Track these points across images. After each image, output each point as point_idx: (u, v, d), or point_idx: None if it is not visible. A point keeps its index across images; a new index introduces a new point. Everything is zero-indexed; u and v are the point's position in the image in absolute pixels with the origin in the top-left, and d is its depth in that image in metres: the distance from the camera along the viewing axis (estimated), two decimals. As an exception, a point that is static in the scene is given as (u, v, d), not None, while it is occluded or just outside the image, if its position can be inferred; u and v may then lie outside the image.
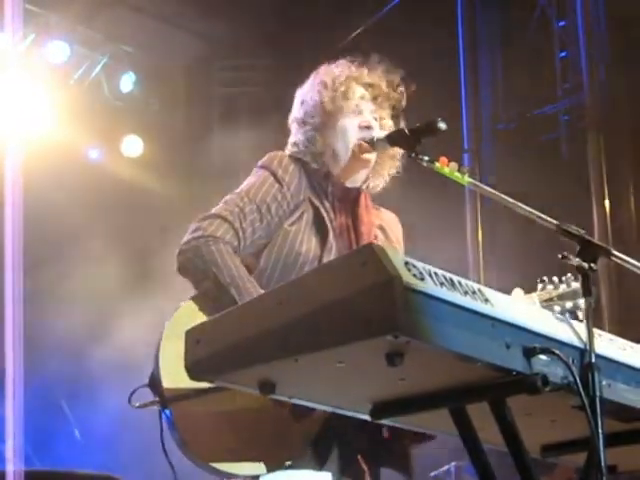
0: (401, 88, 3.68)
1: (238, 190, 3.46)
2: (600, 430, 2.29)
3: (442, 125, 3.15)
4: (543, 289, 3.84)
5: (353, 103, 3.59)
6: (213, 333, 2.28)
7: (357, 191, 3.61)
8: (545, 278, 3.88)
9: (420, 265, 2.07)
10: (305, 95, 3.67)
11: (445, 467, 6.92)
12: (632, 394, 2.49)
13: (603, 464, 2.29)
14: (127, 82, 9.55)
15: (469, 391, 2.27)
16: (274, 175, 3.46)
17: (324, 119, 3.58)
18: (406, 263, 2.03)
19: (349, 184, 3.60)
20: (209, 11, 9.46)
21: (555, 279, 3.86)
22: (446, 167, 3.09)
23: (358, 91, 3.62)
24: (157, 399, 3.08)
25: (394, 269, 1.97)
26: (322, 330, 2.04)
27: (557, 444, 2.77)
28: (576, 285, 3.83)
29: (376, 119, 3.61)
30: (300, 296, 2.11)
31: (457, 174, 3.07)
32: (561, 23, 8.52)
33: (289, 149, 3.64)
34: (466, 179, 3.06)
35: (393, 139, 3.39)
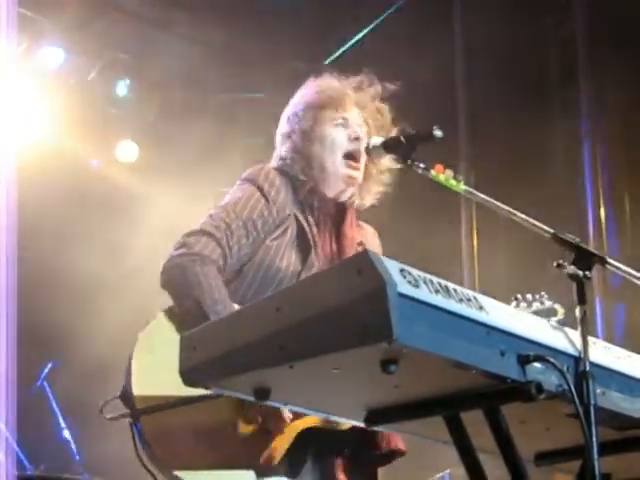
0: (388, 114, 3.67)
1: (223, 204, 3.43)
2: (594, 438, 2.29)
3: (438, 132, 3.15)
4: (517, 307, 3.84)
5: (341, 115, 3.58)
6: (209, 339, 2.28)
7: (343, 206, 3.60)
8: (519, 295, 3.87)
9: (415, 272, 2.07)
10: (292, 109, 3.65)
11: (439, 475, 6.91)
12: (626, 402, 2.50)
13: (597, 472, 2.29)
14: (122, 88, 9.54)
15: (463, 398, 2.27)
16: (260, 190, 3.44)
17: (312, 131, 3.56)
18: (401, 270, 2.03)
19: (336, 199, 3.59)
20: (205, 17, 9.47)
21: (529, 296, 3.86)
22: (442, 174, 3.09)
23: (346, 102, 3.61)
24: (128, 412, 3.07)
25: (389, 276, 1.97)
26: (317, 337, 2.04)
27: (551, 452, 2.77)
28: (549, 303, 3.83)
29: (363, 132, 3.60)
30: (295, 303, 2.11)
31: (452, 181, 3.08)
32: (558, 31, 8.54)
33: (275, 162, 3.62)
34: (462, 186, 3.07)
35: (389, 146, 3.39)
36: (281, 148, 3.63)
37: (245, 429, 3.12)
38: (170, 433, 3.04)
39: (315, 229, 3.47)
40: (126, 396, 3.07)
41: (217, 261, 3.29)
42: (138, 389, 3.05)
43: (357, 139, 3.55)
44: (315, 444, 3.26)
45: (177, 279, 3.25)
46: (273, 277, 3.36)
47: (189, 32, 9.66)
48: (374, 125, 3.62)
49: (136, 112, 9.62)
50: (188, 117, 9.80)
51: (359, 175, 3.57)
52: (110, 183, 9.29)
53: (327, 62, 8.69)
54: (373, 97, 3.66)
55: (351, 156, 3.54)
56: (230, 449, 3.10)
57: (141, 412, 3.03)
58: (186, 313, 3.19)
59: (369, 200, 3.68)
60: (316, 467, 3.31)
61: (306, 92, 3.65)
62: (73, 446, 7.44)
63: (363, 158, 3.56)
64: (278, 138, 3.67)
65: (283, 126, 3.66)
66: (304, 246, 3.43)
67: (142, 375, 3.05)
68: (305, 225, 3.46)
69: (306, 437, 3.19)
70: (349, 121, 3.58)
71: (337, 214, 3.57)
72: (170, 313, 3.24)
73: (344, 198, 3.60)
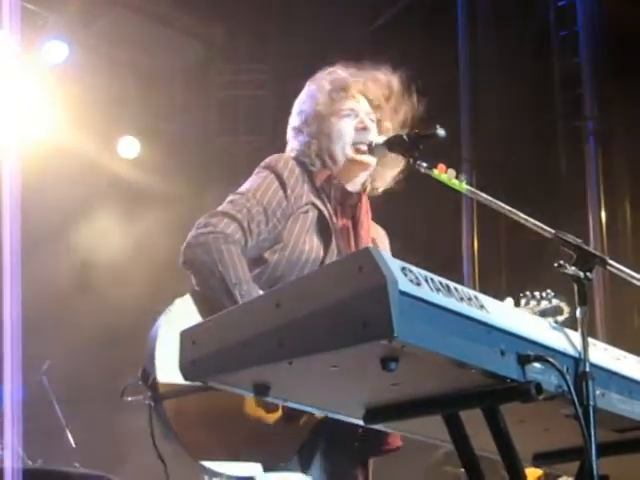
0: (399, 91, 3.69)
1: (243, 190, 3.44)
2: (593, 439, 2.29)
3: (441, 132, 3.15)
4: (527, 304, 3.85)
5: (348, 105, 3.60)
6: (209, 334, 2.27)
7: (358, 195, 3.62)
8: (528, 293, 3.89)
9: (416, 270, 2.07)
10: (301, 103, 3.68)
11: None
12: (625, 404, 2.50)
13: (596, 474, 2.29)
14: (124, 84, 9.54)
15: (463, 397, 2.27)
16: (279, 178, 3.46)
17: (320, 124, 3.58)
18: (403, 268, 2.03)
19: (350, 187, 3.60)
20: (208, 14, 9.47)
21: (537, 294, 3.88)
22: (444, 174, 3.09)
23: (353, 93, 3.63)
24: (150, 394, 3.07)
25: (391, 274, 1.97)
26: (317, 333, 2.04)
27: (550, 453, 2.77)
28: (556, 302, 3.85)
29: (372, 120, 3.62)
30: (296, 299, 2.10)
31: (455, 181, 3.07)
32: (561, 34, 8.54)
33: (290, 154, 3.64)
34: (464, 186, 3.06)
35: (391, 144, 3.39)
36: (293, 142, 3.66)
37: (268, 418, 3.12)
38: (194, 417, 3.03)
39: (334, 217, 3.51)
40: (148, 379, 3.07)
41: (239, 241, 3.31)
42: (161, 370, 3.03)
43: (365, 129, 3.58)
44: (326, 437, 3.27)
45: (201, 257, 3.24)
46: (298, 259, 3.38)
47: (192, 28, 9.67)
48: (387, 113, 3.66)
49: (138, 108, 9.62)
50: (190, 113, 9.80)
51: (371, 161, 3.58)
52: (112, 179, 9.28)
53: (331, 61, 8.68)
54: (385, 86, 3.69)
55: (360, 145, 3.56)
56: (254, 436, 3.10)
57: (164, 395, 3.02)
58: (211, 290, 3.19)
59: (381, 185, 3.70)
60: (325, 462, 3.31)
61: (315, 85, 3.68)
62: (71, 440, 7.44)
63: None
64: (290, 132, 3.70)
65: (294, 120, 3.69)
66: (324, 232, 3.46)
67: (165, 358, 3.04)
68: (325, 212, 3.49)
69: (317, 430, 3.19)
70: (357, 111, 3.61)
71: (352, 203, 3.60)
72: (193, 295, 3.24)
73: (358, 186, 3.63)
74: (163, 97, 9.89)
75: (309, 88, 3.69)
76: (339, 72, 3.68)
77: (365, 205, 3.62)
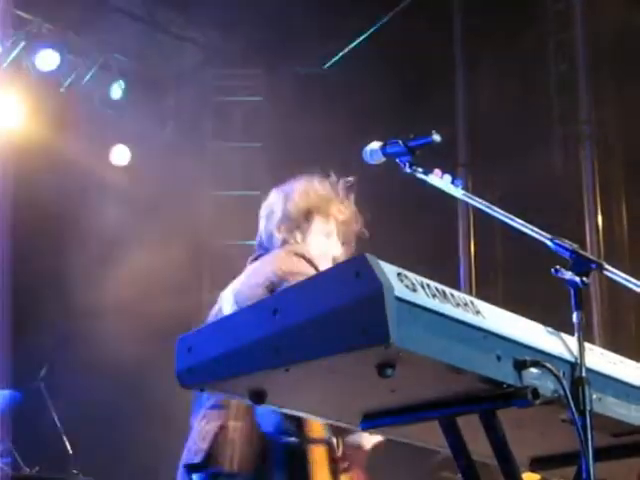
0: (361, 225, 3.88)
1: (295, 270, 3.50)
2: (590, 444, 2.29)
3: (436, 137, 3.15)
4: None
5: (330, 224, 3.82)
6: (205, 341, 2.27)
7: None
8: None
9: (412, 276, 2.07)
10: (284, 207, 3.82)
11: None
12: (622, 408, 2.50)
13: (592, 478, 2.29)
14: (117, 90, 9.54)
15: (459, 403, 2.27)
16: (313, 265, 3.57)
17: (305, 237, 3.79)
18: (398, 274, 2.03)
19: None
20: (202, 19, 9.48)
21: None
22: (440, 179, 3.09)
23: (333, 212, 3.83)
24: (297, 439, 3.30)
25: (386, 280, 1.97)
26: (314, 340, 2.04)
27: (546, 457, 2.77)
28: None
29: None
30: (292, 305, 2.10)
31: (451, 186, 3.08)
32: (557, 37, 8.56)
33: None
34: (460, 191, 3.06)
35: (387, 150, 3.40)
36: (278, 236, 3.78)
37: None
38: (322, 466, 3.34)
39: None
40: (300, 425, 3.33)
41: None
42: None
43: (343, 244, 3.82)
44: None
45: None
46: None
47: (186, 33, 9.68)
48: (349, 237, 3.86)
49: (131, 114, 9.62)
50: (183, 119, 9.80)
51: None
52: (103, 186, 9.27)
53: (326, 66, 8.71)
54: (353, 213, 3.88)
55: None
56: None
57: (311, 441, 3.30)
58: None
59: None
60: None
61: (295, 195, 3.83)
62: (69, 447, 7.43)
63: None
64: (270, 229, 3.82)
65: (274, 219, 3.82)
66: None
67: None
68: None
69: None
70: (336, 229, 3.82)
71: None
72: None
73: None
74: (156, 103, 9.90)
75: (290, 196, 3.84)
76: (317, 187, 3.85)
77: None
